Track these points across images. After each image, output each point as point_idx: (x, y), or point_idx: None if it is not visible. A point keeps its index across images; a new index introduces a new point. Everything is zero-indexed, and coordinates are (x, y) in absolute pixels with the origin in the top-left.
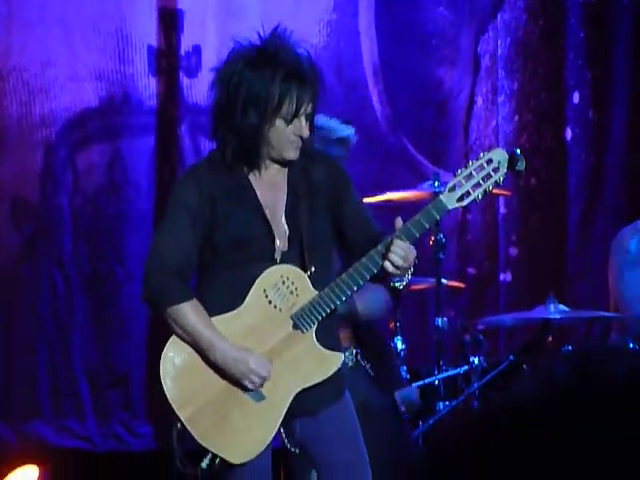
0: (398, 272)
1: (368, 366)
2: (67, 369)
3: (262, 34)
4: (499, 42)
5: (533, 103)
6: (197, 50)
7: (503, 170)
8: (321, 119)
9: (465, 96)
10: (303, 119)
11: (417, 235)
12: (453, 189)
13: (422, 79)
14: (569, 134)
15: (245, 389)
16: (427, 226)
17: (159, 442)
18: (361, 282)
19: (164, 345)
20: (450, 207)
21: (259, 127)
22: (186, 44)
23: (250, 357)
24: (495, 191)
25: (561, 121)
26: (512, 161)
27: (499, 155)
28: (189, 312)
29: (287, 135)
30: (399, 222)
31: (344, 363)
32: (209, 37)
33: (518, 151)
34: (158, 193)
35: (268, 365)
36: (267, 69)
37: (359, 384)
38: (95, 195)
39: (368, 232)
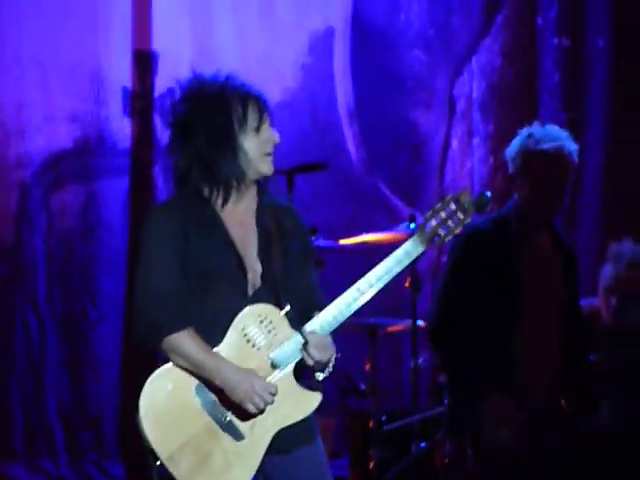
0: (317, 366)
1: None
2: (40, 410)
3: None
4: (474, 85)
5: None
6: (171, 92)
7: (470, 211)
8: None
9: (440, 138)
10: (269, 125)
11: (390, 278)
12: (423, 231)
13: (397, 121)
14: None
15: (244, 416)
16: (398, 269)
17: None
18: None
19: (137, 387)
20: (421, 249)
21: (233, 142)
22: (160, 86)
23: (255, 380)
24: None
25: None
26: (479, 203)
27: (466, 197)
28: (187, 340)
29: (260, 145)
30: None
31: None
32: (183, 79)
33: (488, 193)
34: (132, 234)
35: (272, 389)
36: (219, 95)
37: None
38: (69, 236)
39: (312, 300)
